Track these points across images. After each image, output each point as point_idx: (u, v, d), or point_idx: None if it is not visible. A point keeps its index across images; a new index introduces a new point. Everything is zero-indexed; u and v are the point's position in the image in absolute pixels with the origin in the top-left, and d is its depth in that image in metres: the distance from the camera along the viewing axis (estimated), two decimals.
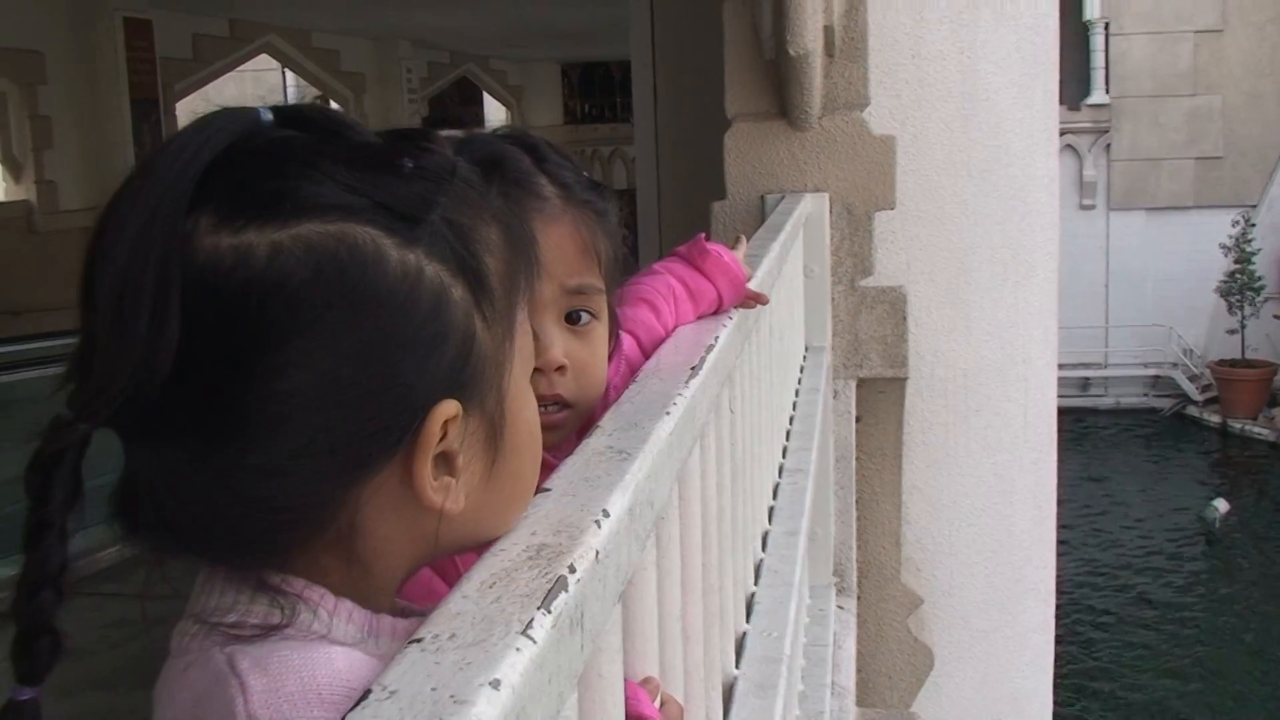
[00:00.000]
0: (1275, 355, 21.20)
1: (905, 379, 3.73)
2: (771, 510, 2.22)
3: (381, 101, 17.95)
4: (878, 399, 3.76)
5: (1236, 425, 21.04)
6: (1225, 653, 14.12)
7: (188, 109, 15.83)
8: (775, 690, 1.60)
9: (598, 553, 0.73)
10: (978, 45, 3.67)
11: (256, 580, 0.73)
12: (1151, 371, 22.52)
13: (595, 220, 1.32)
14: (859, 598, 3.77)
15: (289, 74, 22.77)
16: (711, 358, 1.35)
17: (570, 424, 1.28)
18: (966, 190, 3.70)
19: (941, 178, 3.68)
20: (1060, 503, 4.25)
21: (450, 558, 0.86)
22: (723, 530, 1.50)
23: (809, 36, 3.35)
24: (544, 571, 0.68)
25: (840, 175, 3.62)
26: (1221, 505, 17.48)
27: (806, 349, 3.35)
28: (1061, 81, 4.32)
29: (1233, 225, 21.16)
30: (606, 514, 0.78)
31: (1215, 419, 21.41)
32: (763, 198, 3.57)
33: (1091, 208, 22.26)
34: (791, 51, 3.36)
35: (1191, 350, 22.10)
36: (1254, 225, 21.23)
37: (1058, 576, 4.30)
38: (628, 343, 1.49)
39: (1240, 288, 21.00)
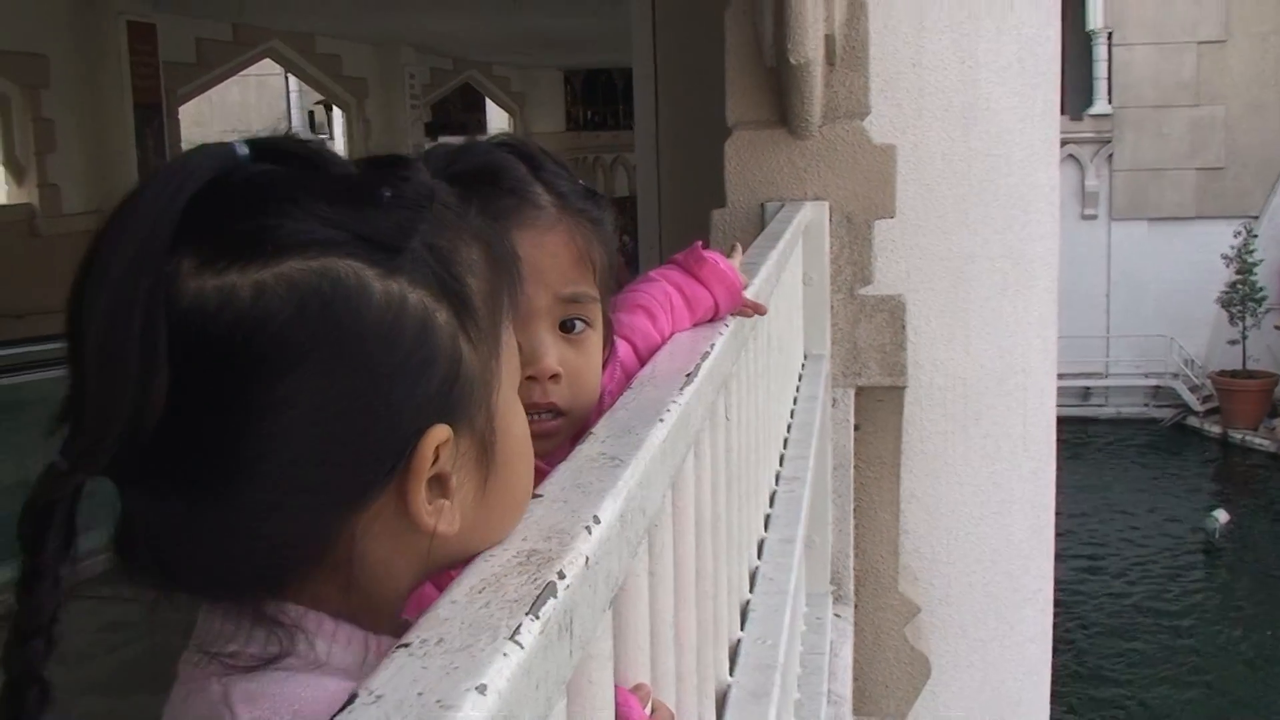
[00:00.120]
0: (1276, 366, 21.20)
1: (904, 387, 3.73)
2: (768, 518, 2.22)
3: (384, 107, 17.95)
4: (876, 407, 3.76)
5: (1237, 436, 21.04)
6: (1224, 663, 14.10)
7: (191, 113, 15.89)
8: (769, 698, 1.60)
9: (588, 559, 0.73)
10: (979, 55, 3.68)
11: (254, 611, 0.73)
12: (1152, 381, 22.52)
13: (591, 229, 1.32)
14: (856, 606, 3.77)
15: (292, 79, 22.82)
16: (707, 365, 1.36)
17: (564, 432, 1.28)
18: (967, 199, 3.70)
19: (942, 187, 3.68)
20: (1059, 512, 4.24)
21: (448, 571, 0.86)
22: (718, 537, 1.51)
23: (810, 45, 3.36)
24: (533, 577, 0.68)
25: (840, 184, 3.62)
26: (1222, 516, 17.46)
27: (805, 357, 3.35)
28: (1064, 91, 4.33)
29: (1234, 236, 21.18)
30: (597, 520, 0.78)
31: (1216, 429, 21.40)
32: (763, 205, 3.57)
33: (1093, 218, 22.26)
34: (792, 60, 3.37)
35: (1192, 360, 22.10)
36: (1256, 236, 21.25)
37: (1056, 586, 4.30)
38: (624, 350, 1.49)
39: (1242, 298, 21.02)
